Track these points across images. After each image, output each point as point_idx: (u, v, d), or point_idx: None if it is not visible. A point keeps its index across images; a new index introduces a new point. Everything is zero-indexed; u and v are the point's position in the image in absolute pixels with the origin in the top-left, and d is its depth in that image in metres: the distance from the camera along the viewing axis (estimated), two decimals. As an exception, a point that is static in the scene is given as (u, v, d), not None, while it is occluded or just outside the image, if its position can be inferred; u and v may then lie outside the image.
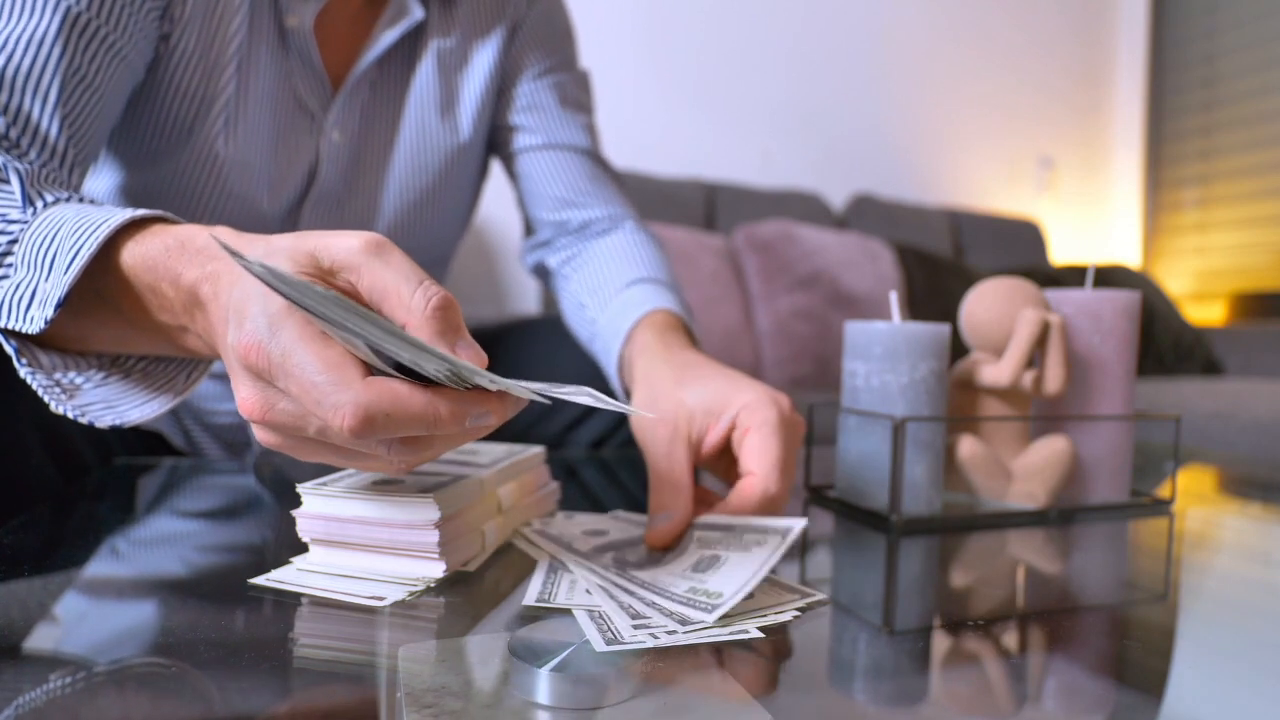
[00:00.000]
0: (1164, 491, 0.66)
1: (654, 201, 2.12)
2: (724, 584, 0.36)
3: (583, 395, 0.33)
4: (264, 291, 0.32)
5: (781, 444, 0.47)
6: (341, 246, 0.34)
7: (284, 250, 0.34)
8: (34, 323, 0.43)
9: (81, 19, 0.55)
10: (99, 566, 0.43)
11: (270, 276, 0.28)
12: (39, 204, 0.47)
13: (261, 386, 0.33)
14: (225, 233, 0.40)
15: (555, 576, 0.40)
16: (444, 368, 0.30)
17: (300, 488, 0.40)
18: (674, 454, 0.49)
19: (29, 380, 0.45)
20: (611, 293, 0.75)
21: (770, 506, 0.46)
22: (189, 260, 0.39)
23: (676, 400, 0.51)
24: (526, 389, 0.32)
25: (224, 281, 0.37)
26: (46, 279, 0.43)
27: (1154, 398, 1.82)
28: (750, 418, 0.48)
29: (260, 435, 0.35)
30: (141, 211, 0.43)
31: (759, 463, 0.47)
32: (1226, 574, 0.51)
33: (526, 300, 2.19)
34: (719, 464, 0.52)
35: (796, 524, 0.41)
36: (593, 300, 0.76)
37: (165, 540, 0.49)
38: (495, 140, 0.84)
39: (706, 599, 0.35)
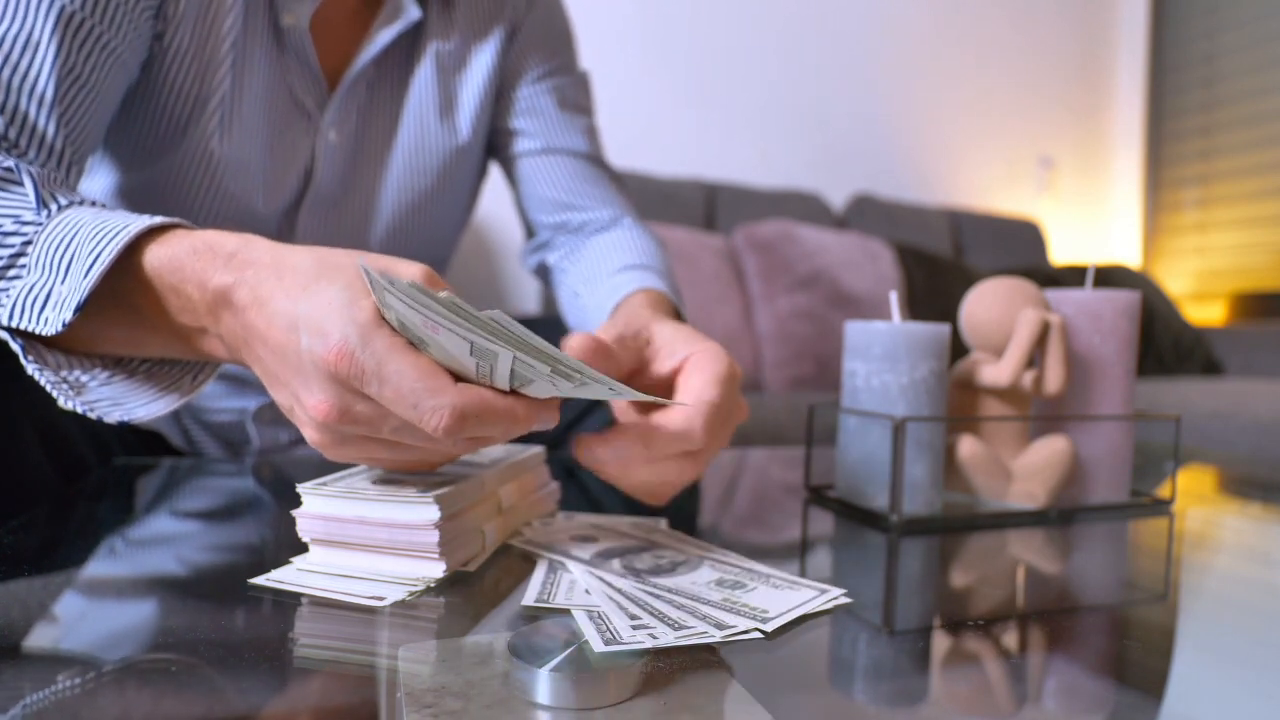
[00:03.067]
0: (1164, 491, 0.66)
1: (654, 201, 2.12)
2: (767, 602, 0.36)
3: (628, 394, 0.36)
4: (344, 303, 0.35)
5: (721, 394, 0.45)
6: (404, 274, 0.38)
7: (350, 268, 0.37)
8: (49, 324, 0.43)
9: (76, 18, 0.55)
10: (99, 566, 0.43)
11: (418, 293, 0.33)
12: (53, 206, 0.47)
13: (340, 391, 0.35)
14: (263, 242, 0.41)
15: (555, 577, 0.40)
16: (554, 373, 0.35)
17: (300, 488, 0.40)
18: (621, 339, 0.47)
19: (36, 376, 0.45)
20: (601, 279, 0.75)
21: (687, 443, 0.44)
22: (220, 264, 0.41)
23: (645, 323, 0.50)
24: (599, 388, 0.36)
25: (269, 287, 0.38)
26: (63, 281, 0.43)
27: (1154, 398, 1.82)
28: (700, 361, 0.47)
29: (315, 436, 0.38)
30: (160, 219, 0.44)
31: (693, 399, 0.44)
32: (1226, 574, 0.51)
33: (526, 300, 2.19)
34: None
35: (833, 591, 0.39)
36: (585, 288, 0.77)
37: (165, 540, 0.49)
38: (494, 144, 0.84)
39: (751, 610, 0.35)
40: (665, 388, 0.49)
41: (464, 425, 0.34)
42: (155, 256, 0.43)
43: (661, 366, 0.49)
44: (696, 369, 0.46)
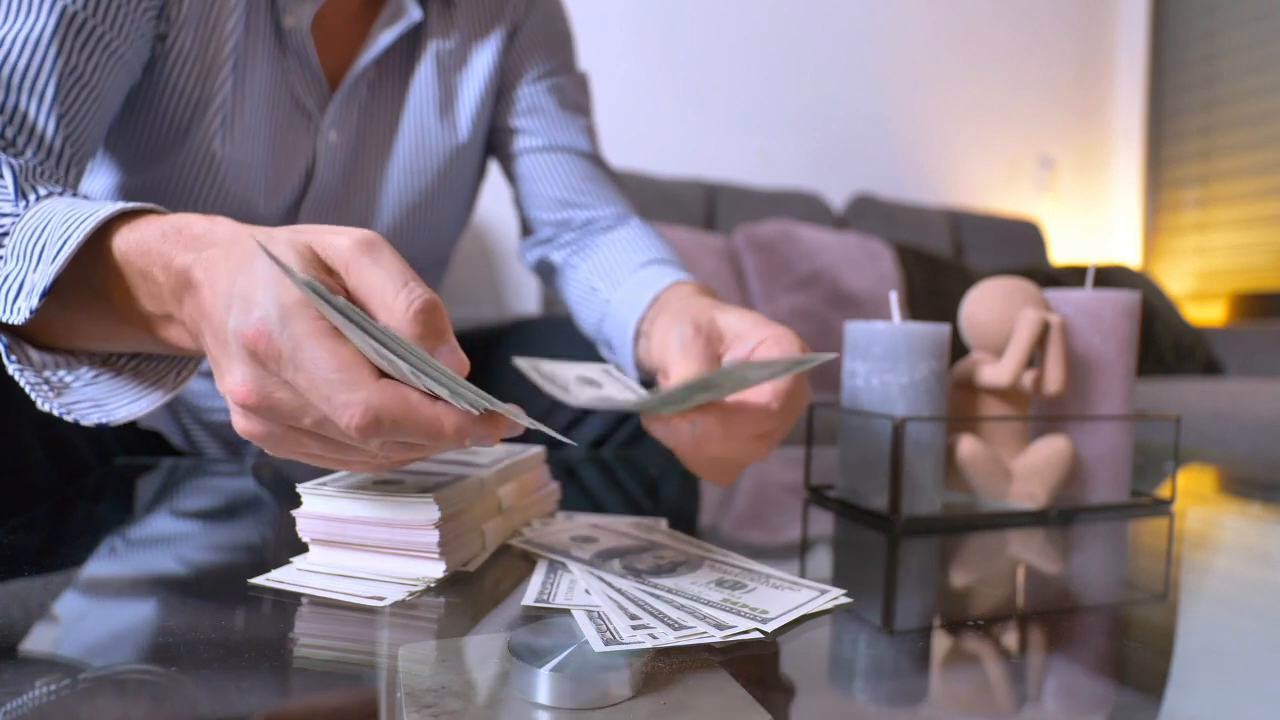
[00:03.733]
0: (1164, 491, 0.66)
1: (654, 201, 2.12)
2: (765, 603, 0.36)
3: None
4: (274, 280, 0.32)
5: (795, 376, 0.45)
6: (335, 244, 0.35)
7: (283, 241, 0.34)
8: (20, 313, 0.43)
9: (78, 19, 0.55)
10: (99, 566, 0.43)
11: (313, 293, 0.30)
12: (31, 198, 0.47)
13: (260, 373, 0.33)
14: (227, 223, 0.40)
15: (555, 577, 0.40)
16: (463, 398, 0.32)
17: (300, 488, 0.40)
18: (691, 349, 0.47)
19: (17, 377, 0.45)
20: (625, 274, 0.74)
21: (764, 424, 0.44)
22: (184, 246, 0.39)
23: (710, 317, 0.50)
24: (530, 422, 0.34)
25: (220, 268, 0.36)
26: (35, 270, 0.43)
27: (1154, 398, 1.82)
28: (773, 348, 0.46)
29: (242, 423, 0.35)
30: (132, 204, 0.43)
31: (769, 384, 0.44)
32: (1226, 574, 0.51)
33: (526, 300, 2.19)
34: None
35: (833, 591, 0.39)
36: (605, 283, 0.76)
37: (165, 540, 0.49)
38: (494, 143, 0.84)
39: (751, 611, 0.35)
40: None
41: (379, 427, 0.32)
42: (124, 240, 0.41)
43: (737, 355, 0.48)
44: (771, 351, 0.46)
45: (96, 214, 0.42)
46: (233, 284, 0.34)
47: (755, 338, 0.47)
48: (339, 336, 0.32)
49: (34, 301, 0.42)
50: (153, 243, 0.40)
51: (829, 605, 0.37)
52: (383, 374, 0.32)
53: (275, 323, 0.32)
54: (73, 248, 0.41)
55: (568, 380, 0.48)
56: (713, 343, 0.48)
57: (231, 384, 0.34)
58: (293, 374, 0.32)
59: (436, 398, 0.33)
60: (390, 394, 0.32)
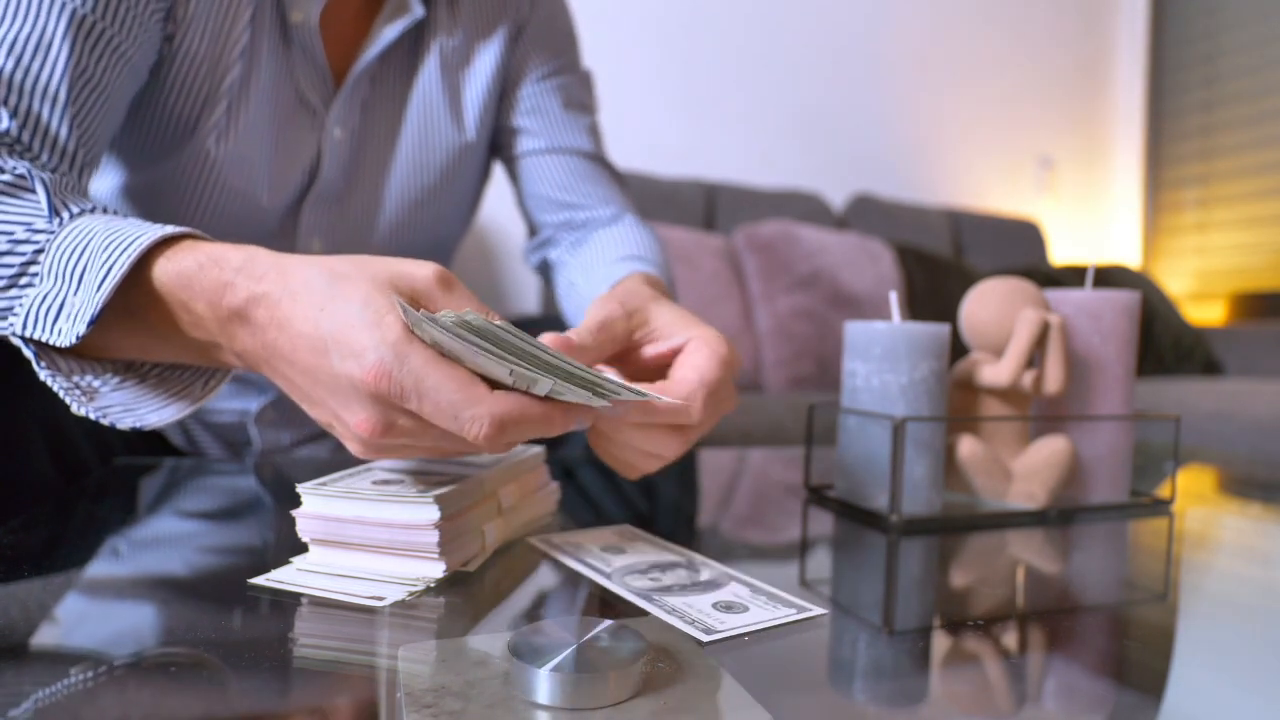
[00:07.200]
0: (1164, 491, 0.66)
1: (654, 201, 2.12)
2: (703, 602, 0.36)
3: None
4: (369, 321, 0.36)
5: (721, 374, 0.45)
6: (418, 276, 0.39)
7: (366, 279, 0.38)
8: (63, 335, 0.43)
9: (87, 21, 0.55)
10: (99, 566, 0.44)
11: (462, 329, 0.34)
12: (65, 214, 0.47)
13: (384, 408, 0.37)
14: (265, 254, 0.41)
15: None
16: (586, 390, 0.36)
17: (300, 488, 0.40)
18: (611, 322, 0.47)
19: (50, 382, 0.45)
20: (600, 268, 0.75)
21: (681, 415, 0.44)
22: (227, 281, 0.41)
23: (643, 301, 0.50)
24: (631, 391, 0.38)
25: (284, 309, 0.39)
26: (76, 292, 0.43)
27: (1154, 398, 1.82)
28: (699, 346, 0.47)
29: (358, 448, 0.39)
30: (171, 229, 0.44)
31: (688, 375, 0.45)
32: (1226, 574, 0.51)
33: (526, 300, 2.19)
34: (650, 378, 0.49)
35: (816, 611, 0.38)
36: (582, 278, 0.77)
37: (165, 540, 0.49)
38: (497, 143, 0.84)
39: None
40: (661, 367, 0.49)
41: (503, 432, 0.36)
42: (164, 271, 0.43)
43: (660, 347, 0.49)
44: (698, 349, 0.47)
45: (138, 241, 0.43)
46: (317, 329, 0.37)
47: (684, 335, 0.48)
48: (450, 361, 0.36)
49: (81, 328, 0.43)
50: (192, 275, 0.42)
51: (792, 620, 0.36)
52: (493, 385, 0.36)
53: (392, 362, 0.35)
54: (118, 277, 0.42)
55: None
56: (630, 326, 0.48)
57: (355, 421, 0.37)
58: (417, 403, 0.36)
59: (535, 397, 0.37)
60: (507, 403, 0.36)
